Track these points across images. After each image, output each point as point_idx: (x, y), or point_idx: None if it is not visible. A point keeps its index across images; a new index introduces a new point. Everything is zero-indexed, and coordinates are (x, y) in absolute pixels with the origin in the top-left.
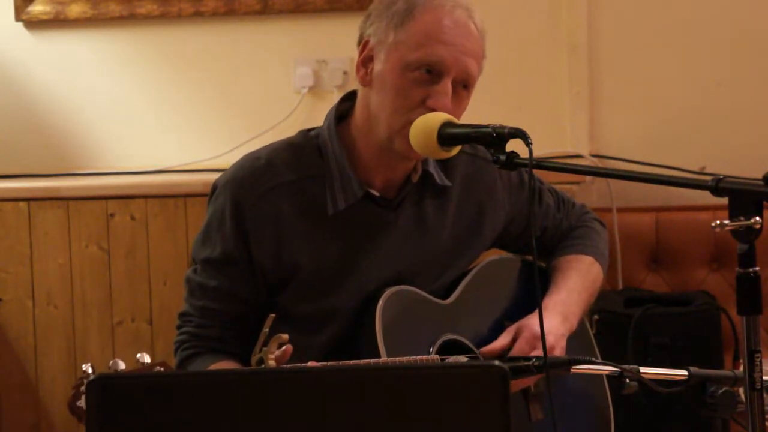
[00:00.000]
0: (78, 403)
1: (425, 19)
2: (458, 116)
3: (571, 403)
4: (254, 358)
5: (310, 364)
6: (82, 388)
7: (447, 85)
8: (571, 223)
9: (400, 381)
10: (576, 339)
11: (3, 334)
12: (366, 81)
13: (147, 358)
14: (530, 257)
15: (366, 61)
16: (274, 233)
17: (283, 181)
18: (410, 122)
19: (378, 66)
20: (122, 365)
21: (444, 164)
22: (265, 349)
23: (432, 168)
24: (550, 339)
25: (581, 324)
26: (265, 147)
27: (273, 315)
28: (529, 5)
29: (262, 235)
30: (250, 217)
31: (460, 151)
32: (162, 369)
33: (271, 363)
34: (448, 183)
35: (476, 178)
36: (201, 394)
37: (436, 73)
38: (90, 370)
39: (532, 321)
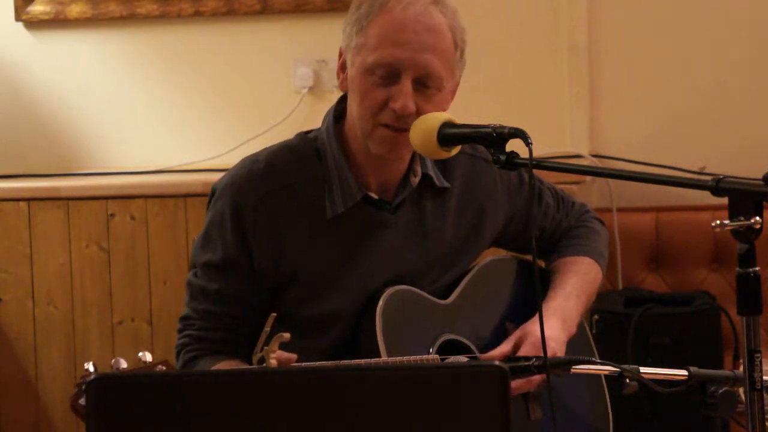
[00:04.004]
0: (80, 402)
1: (380, 20)
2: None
3: (569, 402)
4: (255, 357)
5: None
6: (84, 386)
7: (406, 84)
8: (571, 222)
9: (400, 381)
10: (574, 341)
11: (3, 334)
12: (344, 86)
13: (149, 357)
14: (529, 257)
15: (343, 67)
16: (273, 237)
17: (282, 185)
18: (378, 125)
19: (349, 71)
20: (124, 364)
21: (443, 165)
22: (266, 348)
23: (431, 170)
24: (553, 345)
25: (579, 326)
26: (264, 150)
27: (274, 314)
28: (529, 5)
29: (261, 239)
30: (250, 220)
31: (460, 152)
32: (164, 368)
33: (273, 362)
34: (446, 184)
35: (476, 178)
36: (200, 395)
37: (394, 74)
38: (92, 369)
39: (535, 327)
